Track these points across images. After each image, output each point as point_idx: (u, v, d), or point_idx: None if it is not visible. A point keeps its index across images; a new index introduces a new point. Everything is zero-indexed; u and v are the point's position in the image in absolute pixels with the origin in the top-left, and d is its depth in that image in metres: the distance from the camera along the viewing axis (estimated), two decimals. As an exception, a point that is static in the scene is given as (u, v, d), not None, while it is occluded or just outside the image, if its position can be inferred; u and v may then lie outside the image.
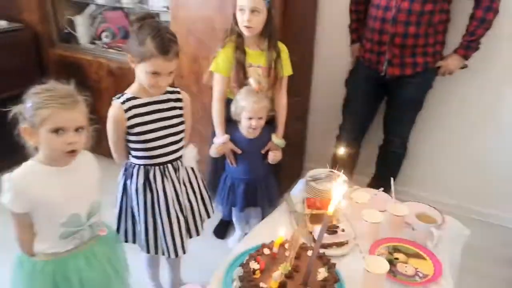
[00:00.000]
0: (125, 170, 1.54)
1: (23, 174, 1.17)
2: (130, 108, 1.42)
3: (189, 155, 1.57)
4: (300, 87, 2.42)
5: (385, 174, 2.29)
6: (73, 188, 1.22)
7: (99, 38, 2.79)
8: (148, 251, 1.58)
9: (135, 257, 1.58)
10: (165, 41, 1.34)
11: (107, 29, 2.76)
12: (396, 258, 1.32)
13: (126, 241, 1.59)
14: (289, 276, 1.16)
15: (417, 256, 1.34)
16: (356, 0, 2.20)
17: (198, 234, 1.66)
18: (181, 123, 1.53)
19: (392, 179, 1.53)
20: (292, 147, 2.14)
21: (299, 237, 1.21)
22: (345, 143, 2.31)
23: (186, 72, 2.29)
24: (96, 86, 2.62)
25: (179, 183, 1.55)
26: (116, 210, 1.57)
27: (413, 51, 1.99)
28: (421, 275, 1.26)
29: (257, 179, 1.86)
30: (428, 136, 2.42)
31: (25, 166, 1.19)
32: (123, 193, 1.56)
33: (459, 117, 2.32)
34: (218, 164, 1.96)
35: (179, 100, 1.53)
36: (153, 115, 1.46)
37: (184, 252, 1.60)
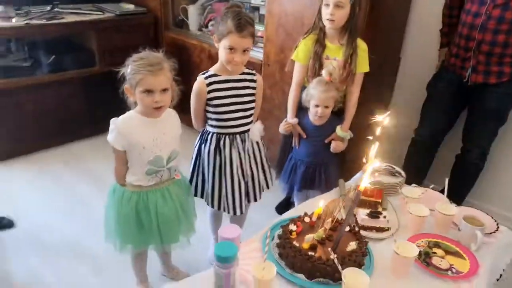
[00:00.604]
0: (201, 136, 1.81)
1: (125, 120, 1.50)
2: (211, 83, 1.67)
3: (255, 130, 1.78)
4: (381, 85, 2.46)
5: (460, 185, 2.23)
6: (159, 136, 1.51)
7: (206, 26, 3.15)
8: (212, 206, 1.83)
9: (200, 211, 1.84)
10: (241, 21, 1.56)
11: (213, 18, 3.10)
12: (434, 252, 1.35)
13: (196, 195, 1.86)
14: (321, 242, 1.29)
15: (457, 254, 1.34)
16: (450, 4, 2.17)
17: (255, 200, 1.86)
18: (252, 101, 1.75)
19: (446, 179, 1.54)
20: (363, 140, 2.20)
21: (333, 208, 1.32)
22: (419, 147, 2.30)
23: (272, 61, 2.50)
24: (197, 66, 2.97)
25: (244, 152, 1.77)
26: (191, 168, 1.85)
27: (500, 60, 1.92)
28: (454, 271, 1.27)
29: (317, 164, 1.97)
30: (510, 150, 2.27)
31: (127, 114, 1.52)
32: (197, 154, 1.82)
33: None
34: (287, 144, 2.12)
35: (253, 81, 1.75)
36: (229, 91, 1.69)
37: (241, 212, 1.81)
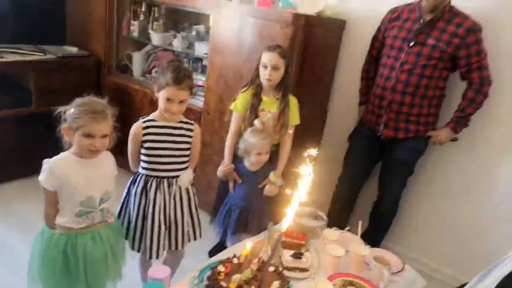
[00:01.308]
0: (133, 177, 1.87)
1: (58, 160, 1.53)
2: (147, 127, 1.78)
3: (185, 177, 1.85)
4: (310, 137, 2.70)
5: (376, 228, 2.47)
6: (92, 176, 1.56)
7: (149, 73, 3.26)
8: (133, 248, 1.85)
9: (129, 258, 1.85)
10: (180, 74, 1.71)
11: (157, 66, 3.24)
12: (348, 291, 1.50)
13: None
14: (247, 282, 1.38)
15: (368, 292, 1.50)
16: (367, 68, 2.51)
17: (176, 248, 1.89)
18: (186, 149, 1.85)
19: (360, 222, 1.71)
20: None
21: (259, 249, 1.43)
22: (341, 193, 2.53)
23: (212, 109, 2.66)
24: (138, 111, 3.04)
25: (170, 197, 1.83)
26: (118, 207, 1.88)
27: (407, 118, 2.24)
28: (364, 307, 1.42)
29: (251, 208, 2.09)
30: (419, 199, 2.58)
31: (60, 155, 1.55)
32: (126, 194, 1.87)
33: (449, 185, 2.48)
34: (223, 189, 2.23)
35: (189, 130, 1.85)
36: (163, 136, 1.79)
37: (157, 257, 1.83)
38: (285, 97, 2.16)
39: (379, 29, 2.41)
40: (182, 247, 1.92)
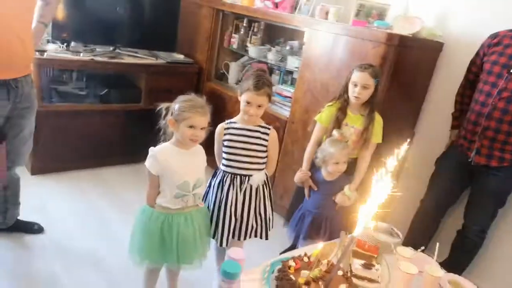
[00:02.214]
0: (214, 171, 2.08)
1: (161, 149, 1.76)
2: (228, 128, 1.98)
3: (256, 177, 1.99)
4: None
5: (458, 259, 2.33)
6: (188, 164, 1.78)
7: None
8: (208, 234, 2.01)
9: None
10: (259, 83, 1.88)
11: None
12: (417, 309, 1.47)
13: None
14: (315, 280, 1.44)
15: (438, 314, 1.46)
16: (462, 92, 2.42)
17: (239, 238, 2.04)
18: (261, 151, 1.98)
19: (437, 244, 1.67)
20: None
21: (329, 250, 1.48)
22: (424, 217, 2.44)
23: (297, 119, 2.78)
24: (229, 114, 3.25)
25: (240, 193, 1.99)
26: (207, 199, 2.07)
27: (503, 146, 2.11)
28: (433, 327, 1.39)
29: (323, 216, 2.14)
30: (510, 232, 2.37)
31: (163, 144, 1.79)
32: (208, 186, 2.07)
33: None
34: (299, 195, 2.32)
35: (266, 134, 1.99)
36: (240, 137, 1.97)
37: (226, 245, 2.00)
38: (371, 114, 2.19)
39: (477, 54, 2.32)
40: (244, 238, 2.06)
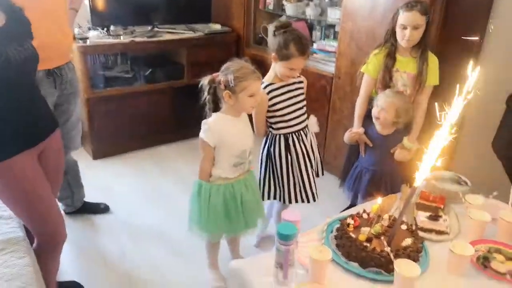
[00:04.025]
0: (267, 140, 2.00)
1: (216, 120, 1.73)
2: (270, 92, 1.88)
3: (312, 122, 2.01)
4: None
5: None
6: (242, 132, 1.76)
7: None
8: (290, 201, 2.01)
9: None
10: (303, 45, 1.78)
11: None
12: (494, 257, 1.35)
13: (268, 198, 2.04)
14: (377, 236, 1.37)
15: (519, 262, 1.34)
16: None
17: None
18: (304, 100, 1.96)
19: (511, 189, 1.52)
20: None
21: (389, 204, 1.40)
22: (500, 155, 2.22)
23: (343, 74, 2.63)
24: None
25: (308, 145, 1.98)
26: (262, 172, 2.04)
27: None
28: (513, 276, 1.27)
29: (382, 172, 2.03)
30: None
31: (216, 115, 1.74)
32: (267, 157, 2.00)
33: None
34: (352, 153, 2.22)
35: (301, 82, 1.96)
36: (285, 95, 1.90)
37: (317, 198, 2.03)
38: (424, 54, 1.99)
39: None
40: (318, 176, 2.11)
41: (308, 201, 2.01)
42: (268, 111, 1.91)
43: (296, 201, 2.00)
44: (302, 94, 1.97)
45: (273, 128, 1.97)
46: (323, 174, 2.14)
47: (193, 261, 2.16)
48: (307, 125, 2.00)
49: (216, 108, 1.76)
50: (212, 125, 1.70)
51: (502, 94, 2.29)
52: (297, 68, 1.85)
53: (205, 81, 1.72)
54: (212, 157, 1.75)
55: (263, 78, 1.80)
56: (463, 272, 1.28)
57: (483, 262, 1.33)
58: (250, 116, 1.89)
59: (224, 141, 1.71)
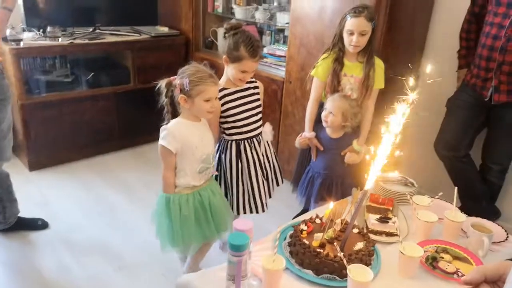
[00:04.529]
0: (219, 146, 1.95)
1: (176, 125, 1.65)
2: (223, 97, 1.83)
3: (267, 130, 1.96)
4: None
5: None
6: (204, 136, 1.69)
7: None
8: (238, 212, 1.94)
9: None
10: (254, 47, 1.74)
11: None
12: (441, 257, 1.38)
13: None
14: (330, 241, 1.36)
15: (464, 260, 1.37)
16: (467, 28, 2.25)
17: (270, 196, 2.03)
18: (259, 106, 1.93)
19: (456, 189, 1.57)
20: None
21: (341, 209, 1.39)
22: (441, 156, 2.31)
23: (294, 79, 2.63)
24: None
25: (260, 153, 1.92)
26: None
27: (522, 79, 1.96)
28: (460, 274, 1.30)
29: (334, 176, 2.04)
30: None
31: (176, 120, 1.67)
32: (218, 165, 1.94)
33: None
34: (304, 158, 2.21)
35: (256, 87, 1.93)
36: (239, 100, 1.86)
37: (266, 209, 1.98)
38: (370, 59, 2.03)
39: None
40: (273, 191, 2.07)
41: (257, 212, 1.95)
42: (221, 116, 1.86)
43: (244, 211, 1.94)
44: (257, 100, 1.93)
45: (225, 134, 1.92)
46: (282, 183, 2.11)
47: (141, 277, 2.04)
48: (261, 133, 1.95)
49: (174, 112, 1.70)
50: (172, 130, 1.62)
51: (445, 96, 2.39)
52: (248, 71, 1.80)
53: (162, 84, 1.65)
54: (174, 166, 1.66)
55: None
56: (414, 273, 1.29)
57: (432, 262, 1.35)
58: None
59: (187, 146, 1.64)
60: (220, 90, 1.83)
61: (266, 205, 1.98)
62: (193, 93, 1.58)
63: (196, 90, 1.58)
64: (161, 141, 1.62)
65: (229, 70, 1.83)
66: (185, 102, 1.62)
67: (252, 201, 1.93)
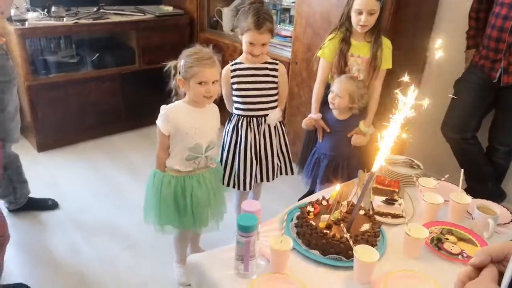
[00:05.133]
0: (228, 117, 1.97)
1: (174, 107, 1.65)
2: (235, 70, 1.86)
3: (273, 116, 1.93)
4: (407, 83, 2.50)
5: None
6: (201, 125, 1.66)
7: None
8: (223, 182, 1.96)
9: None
10: (260, 19, 1.72)
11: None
12: (447, 239, 1.40)
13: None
14: (336, 222, 1.38)
15: (469, 241, 1.39)
16: (476, 7, 2.21)
17: (267, 180, 2.01)
18: (272, 88, 1.90)
19: (462, 171, 1.57)
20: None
21: (347, 191, 1.40)
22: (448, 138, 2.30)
23: (300, 59, 2.61)
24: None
25: (259, 135, 1.92)
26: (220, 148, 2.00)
27: (531, 60, 1.93)
28: (465, 255, 1.32)
29: (340, 157, 2.05)
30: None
31: (176, 102, 1.67)
32: (225, 135, 1.98)
33: None
34: (310, 139, 2.22)
35: (274, 69, 1.90)
36: (250, 77, 1.86)
37: (250, 188, 1.96)
38: (378, 39, 2.01)
39: None
40: (273, 179, 2.03)
41: (239, 188, 1.96)
42: (231, 89, 1.89)
43: (228, 185, 1.97)
44: (272, 82, 1.90)
45: (234, 107, 1.94)
46: (292, 173, 2.10)
47: (149, 256, 2.08)
48: (266, 115, 1.92)
49: (182, 95, 1.69)
50: (168, 112, 1.62)
51: (452, 77, 2.37)
52: (255, 43, 1.78)
53: (171, 65, 1.64)
54: (167, 146, 1.67)
55: (221, 64, 1.71)
56: (419, 254, 1.31)
57: (437, 243, 1.37)
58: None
59: (178, 131, 1.63)
60: (234, 64, 1.87)
61: (250, 185, 1.95)
62: (187, 75, 1.57)
63: (190, 72, 1.56)
64: (157, 120, 1.64)
65: (243, 43, 1.84)
66: (183, 85, 1.61)
67: (236, 177, 1.95)
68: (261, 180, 2.00)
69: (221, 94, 1.85)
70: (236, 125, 1.91)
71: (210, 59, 1.58)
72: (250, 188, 1.96)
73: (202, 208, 1.73)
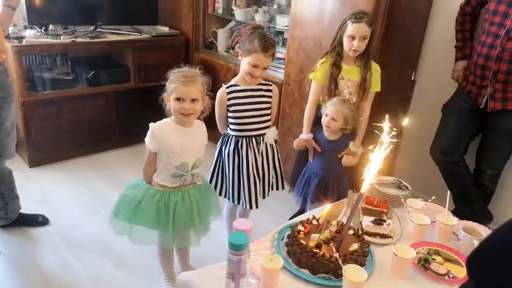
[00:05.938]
0: (222, 139, 2.01)
1: (160, 125, 1.68)
2: (231, 92, 1.90)
3: (270, 134, 1.99)
4: (396, 105, 2.58)
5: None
6: (187, 143, 1.68)
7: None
8: (233, 200, 2.02)
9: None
10: (267, 43, 1.80)
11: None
12: (433, 259, 1.44)
13: (220, 194, 2.05)
14: (326, 242, 1.40)
15: (455, 262, 1.43)
16: (461, 20, 2.32)
17: (263, 197, 2.06)
18: (267, 108, 1.96)
19: (448, 192, 1.62)
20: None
21: (337, 211, 1.44)
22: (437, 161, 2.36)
23: (292, 81, 2.67)
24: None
25: (259, 153, 1.97)
26: (211, 168, 2.05)
27: (516, 87, 2.02)
28: (451, 276, 1.35)
29: (330, 177, 2.09)
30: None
31: (163, 120, 1.70)
32: (218, 155, 2.03)
33: None
34: (301, 159, 2.26)
35: (269, 90, 1.97)
36: (246, 99, 1.91)
37: (256, 207, 2.01)
38: (367, 64, 2.09)
39: None
40: (268, 195, 2.09)
41: (246, 207, 2.01)
42: (227, 110, 1.93)
43: (239, 202, 2.02)
44: (266, 103, 1.97)
45: (229, 128, 1.99)
46: (283, 188, 2.16)
47: (140, 274, 2.07)
48: (263, 134, 1.98)
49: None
50: (154, 130, 1.66)
51: (440, 102, 2.44)
52: (259, 65, 1.84)
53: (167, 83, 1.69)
54: (154, 162, 1.70)
55: (215, 84, 1.77)
56: (406, 274, 1.34)
57: (424, 264, 1.40)
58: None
59: (165, 149, 1.66)
60: (230, 86, 1.91)
61: (256, 203, 2.00)
62: (169, 91, 1.63)
63: (170, 87, 1.61)
64: (146, 137, 1.67)
65: (242, 65, 1.90)
66: (167, 100, 1.66)
67: (242, 195, 1.99)
68: (263, 197, 2.06)
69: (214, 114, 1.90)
70: (236, 147, 1.95)
71: (189, 78, 1.60)
72: (257, 207, 2.01)
73: (183, 222, 1.73)
